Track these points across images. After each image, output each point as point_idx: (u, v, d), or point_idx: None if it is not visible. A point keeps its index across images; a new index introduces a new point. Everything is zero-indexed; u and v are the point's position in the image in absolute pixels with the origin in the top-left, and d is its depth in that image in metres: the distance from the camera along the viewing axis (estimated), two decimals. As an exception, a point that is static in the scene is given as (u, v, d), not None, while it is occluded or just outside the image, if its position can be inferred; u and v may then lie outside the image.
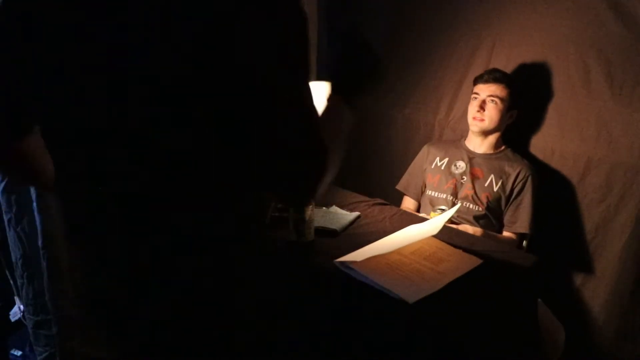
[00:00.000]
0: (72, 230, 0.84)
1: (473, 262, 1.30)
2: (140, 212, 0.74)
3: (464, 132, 2.03)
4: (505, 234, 1.84)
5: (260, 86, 0.65)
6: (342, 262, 1.25)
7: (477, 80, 1.89)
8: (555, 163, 1.89)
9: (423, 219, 1.59)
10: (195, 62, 0.63)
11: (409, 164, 2.11)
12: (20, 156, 0.89)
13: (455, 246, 1.38)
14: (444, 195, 1.90)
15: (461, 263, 1.29)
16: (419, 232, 1.43)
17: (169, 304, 0.77)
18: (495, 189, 1.84)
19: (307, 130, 0.70)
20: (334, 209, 1.61)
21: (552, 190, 1.87)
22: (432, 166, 1.98)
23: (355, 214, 1.58)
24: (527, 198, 1.81)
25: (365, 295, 1.17)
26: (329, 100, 0.84)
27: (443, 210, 1.74)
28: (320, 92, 1.78)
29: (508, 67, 1.95)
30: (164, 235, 0.74)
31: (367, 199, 1.74)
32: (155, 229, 0.74)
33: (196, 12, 0.62)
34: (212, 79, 0.64)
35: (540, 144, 1.93)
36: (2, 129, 0.84)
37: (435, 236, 1.41)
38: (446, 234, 1.44)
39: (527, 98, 1.93)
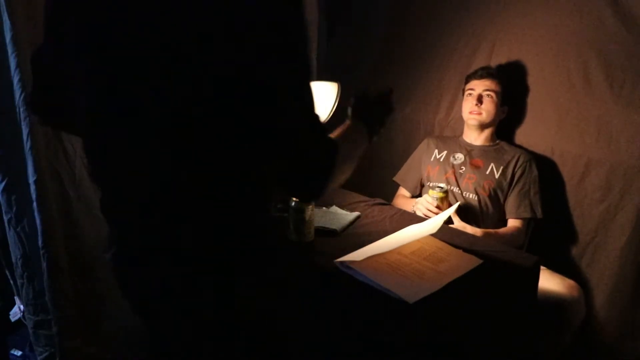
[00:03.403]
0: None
1: (473, 262, 1.30)
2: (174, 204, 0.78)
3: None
4: (510, 223, 1.84)
5: (267, 87, 0.71)
6: (342, 262, 1.25)
7: (470, 77, 1.95)
8: (555, 163, 1.89)
9: (423, 219, 1.59)
10: (219, 74, 0.69)
11: (409, 164, 2.12)
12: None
13: (455, 246, 1.38)
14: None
15: (461, 263, 1.29)
16: (418, 231, 1.43)
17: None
18: (496, 176, 1.86)
19: (309, 124, 0.77)
20: (334, 209, 1.61)
21: (552, 191, 1.87)
22: (432, 159, 2.01)
23: (355, 214, 1.58)
24: (528, 183, 1.83)
25: (365, 295, 1.17)
26: (350, 122, 1.01)
27: (441, 187, 1.76)
28: (321, 92, 1.76)
29: (508, 67, 1.96)
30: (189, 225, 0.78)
31: (367, 199, 1.74)
32: (180, 220, 0.78)
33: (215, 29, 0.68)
34: (232, 86, 0.70)
35: (540, 144, 1.93)
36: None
37: (435, 236, 1.41)
38: (446, 234, 1.44)
39: (527, 98, 1.93)
